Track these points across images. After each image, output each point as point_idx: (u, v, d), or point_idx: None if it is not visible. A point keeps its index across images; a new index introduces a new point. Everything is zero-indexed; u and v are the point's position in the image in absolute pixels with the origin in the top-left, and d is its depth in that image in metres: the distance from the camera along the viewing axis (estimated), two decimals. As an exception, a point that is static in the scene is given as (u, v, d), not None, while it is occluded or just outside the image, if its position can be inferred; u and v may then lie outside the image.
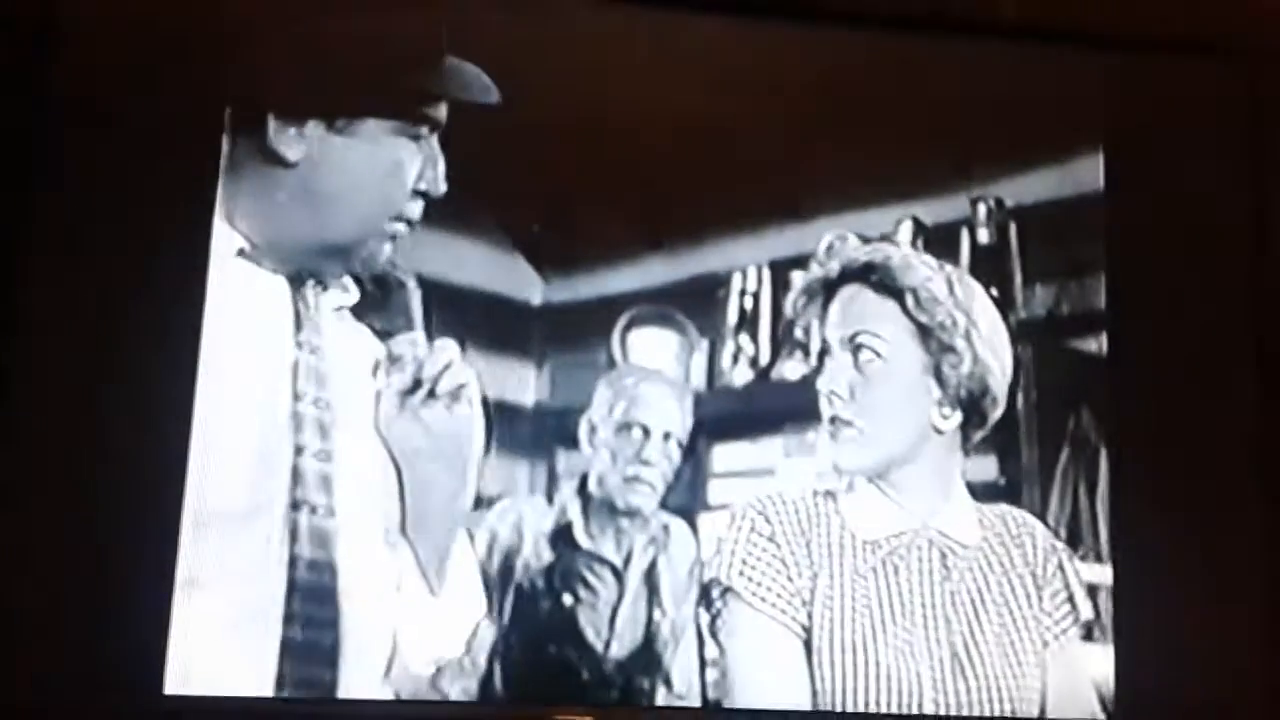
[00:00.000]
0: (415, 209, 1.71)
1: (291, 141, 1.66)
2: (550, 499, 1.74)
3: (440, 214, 1.73)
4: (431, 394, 1.68)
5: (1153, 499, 1.85)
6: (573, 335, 1.79)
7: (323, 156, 1.67)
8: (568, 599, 1.72)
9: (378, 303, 1.71)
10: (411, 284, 1.72)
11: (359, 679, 1.63)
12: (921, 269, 1.81)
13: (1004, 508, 1.82)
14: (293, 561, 1.60)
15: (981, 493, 1.81)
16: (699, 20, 1.89)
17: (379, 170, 1.69)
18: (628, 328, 1.80)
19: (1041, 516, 1.83)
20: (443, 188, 1.72)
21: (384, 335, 1.71)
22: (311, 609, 1.61)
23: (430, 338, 1.72)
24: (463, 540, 1.70)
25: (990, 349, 1.79)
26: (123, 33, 1.74)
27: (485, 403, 1.72)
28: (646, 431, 1.76)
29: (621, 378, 1.78)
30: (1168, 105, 1.96)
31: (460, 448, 1.69)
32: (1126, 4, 1.97)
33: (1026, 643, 1.77)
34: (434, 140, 1.72)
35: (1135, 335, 1.90)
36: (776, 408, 1.83)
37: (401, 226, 1.71)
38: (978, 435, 1.80)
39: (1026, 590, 1.79)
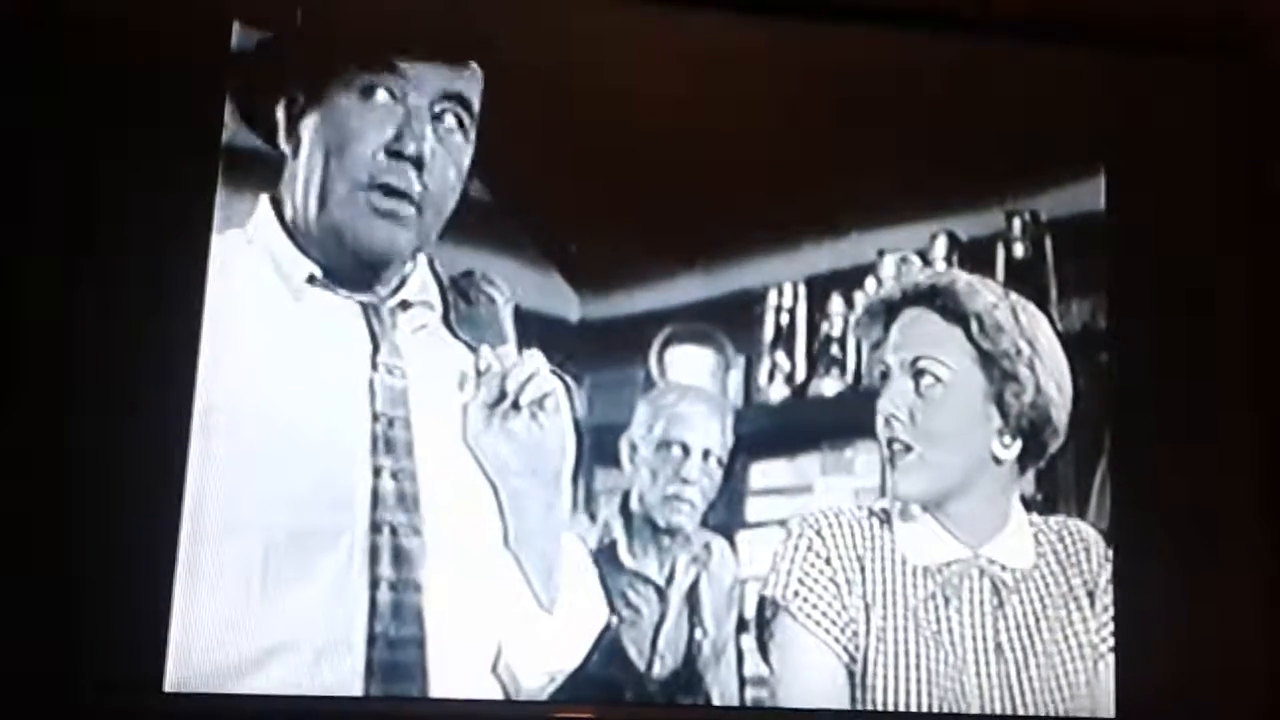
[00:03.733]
0: (397, 175, 1.68)
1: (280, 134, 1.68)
2: (593, 517, 1.74)
3: (478, 231, 1.74)
4: (515, 405, 1.67)
5: (1152, 499, 1.85)
6: (610, 353, 1.78)
7: (305, 142, 1.68)
8: (611, 618, 1.72)
9: (467, 316, 1.71)
10: (501, 298, 1.72)
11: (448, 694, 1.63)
12: (987, 295, 1.80)
13: (1062, 519, 1.82)
14: (374, 582, 1.60)
15: (1029, 506, 1.81)
16: (731, 34, 1.89)
17: (342, 139, 1.67)
18: (665, 345, 1.80)
19: (1084, 528, 1.83)
20: (426, 151, 1.68)
21: (474, 348, 1.70)
22: (395, 628, 1.60)
23: (520, 350, 1.72)
24: (571, 547, 1.70)
25: (1053, 380, 1.79)
26: (122, 31, 1.74)
27: (574, 411, 1.72)
28: (686, 450, 1.76)
29: (662, 395, 1.78)
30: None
31: (549, 457, 1.69)
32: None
33: (1079, 663, 1.76)
34: (411, 102, 1.69)
35: (1138, 339, 1.89)
36: (814, 424, 1.82)
37: (390, 202, 1.67)
38: (1035, 466, 1.80)
39: (1081, 608, 1.78)
